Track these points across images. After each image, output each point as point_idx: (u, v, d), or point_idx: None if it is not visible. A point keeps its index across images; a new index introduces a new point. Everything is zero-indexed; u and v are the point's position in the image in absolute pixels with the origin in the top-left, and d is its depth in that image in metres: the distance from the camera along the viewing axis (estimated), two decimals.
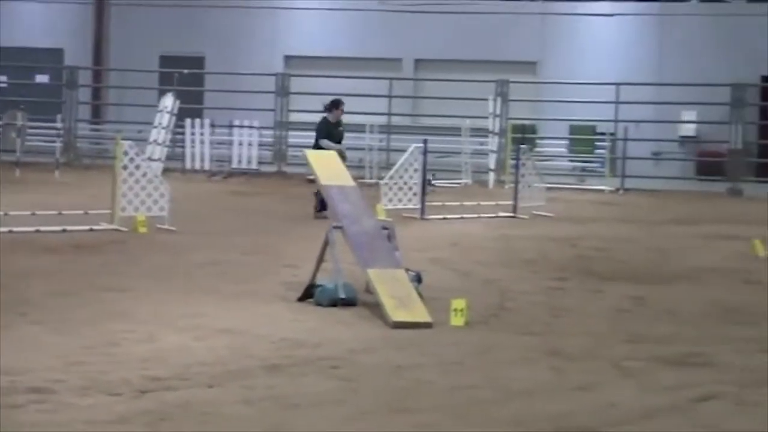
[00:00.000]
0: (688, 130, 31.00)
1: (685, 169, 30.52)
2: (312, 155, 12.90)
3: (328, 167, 12.39)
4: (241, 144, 28.73)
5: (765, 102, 30.60)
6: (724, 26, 31.84)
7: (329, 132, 19.21)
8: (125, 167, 16.61)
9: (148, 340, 9.20)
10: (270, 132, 30.47)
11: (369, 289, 11.04)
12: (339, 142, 19.17)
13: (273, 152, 30.55)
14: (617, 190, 26.87)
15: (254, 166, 28.68)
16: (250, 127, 28.81)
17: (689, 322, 10.92)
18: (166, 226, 16.47)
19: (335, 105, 19.58)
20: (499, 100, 29.09)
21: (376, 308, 10.62)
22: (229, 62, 33.24)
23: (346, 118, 26.57)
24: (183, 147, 28.69)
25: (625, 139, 28.47)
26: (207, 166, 28.47)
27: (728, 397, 8.02)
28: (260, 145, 29.28)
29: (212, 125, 28.95)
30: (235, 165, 28.54)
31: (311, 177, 14.95)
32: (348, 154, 20.50)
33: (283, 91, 30.92)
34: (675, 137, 30.97)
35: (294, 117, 30.84)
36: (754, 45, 30.96)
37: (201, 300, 11.14)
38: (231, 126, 28.88)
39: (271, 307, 10.97)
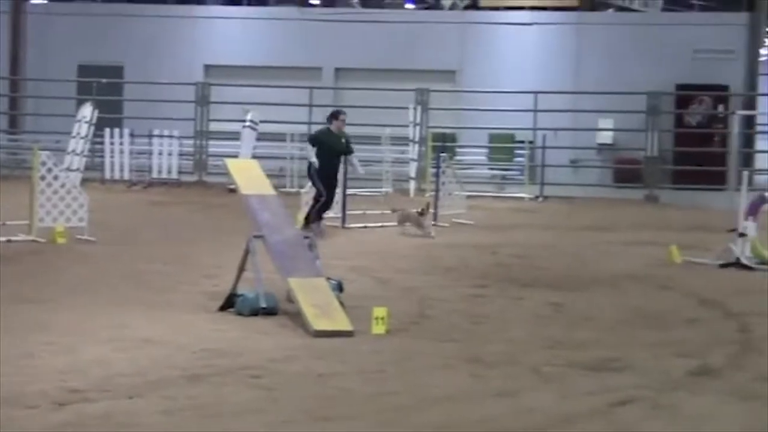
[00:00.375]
0: (606, 137, 31.38)
1: (603, 177, 30.86)
2: (232, 164, 12.85)
3: (248, 176, 12.36)
4: (161, 154, 28.54)
5: (680, 110, 31.06)
6: (640, 35, 32.30)
7: (321, 141, 18.53)
8: (43, 178, 16.44)
9: (68, 352, 9.12)
10: (190, 141, 30.32)
11: (290, 298, 11.03)
12: (338, 152, 18.65)
13: (193, 162, 30.40)
14: (536, 197, 27.09)
15: (174, 175, 28.51)
16: (170, 136, 28.64)
17: (607, 328, 11.04)
18: (85, 237, 16.33)
19: (334, 116, 18.98)
20: (419, 108, 29.21)
21: (297, 317, 10.62)
22: (149, 71, 33.03)
23: (267, 127, 26.76)
24: (102, 157, 28.44)
25: (544, 147, 28.72)
26: (127, 176, 28.25)
27: (645, 401, 8.13)
28: (180, 154, 29.13)
29: (132, 135, 28.73)
30: (155, 175, 28.35)
31: (232, 186, 14.90)
32: (268, 163, 20.48)
33: (203, 101, 30.78)
34: (592, 145, 31.33)
35: (214, 126, 30.72)
36: (669, 53, 31.43)
37: (121, 311, 11.06)
38: (151, 136, 28.67)
39: (192, 317, 10.92)
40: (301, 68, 33.47)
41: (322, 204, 18.33)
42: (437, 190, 21.00)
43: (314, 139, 18.76)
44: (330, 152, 18.47)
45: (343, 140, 18.80)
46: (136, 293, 12.15)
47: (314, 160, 18.36)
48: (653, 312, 11.99)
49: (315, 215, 18.24)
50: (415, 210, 18.66)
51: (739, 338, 10.62)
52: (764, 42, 38.70)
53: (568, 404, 8.01)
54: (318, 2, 40.19)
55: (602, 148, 31.49)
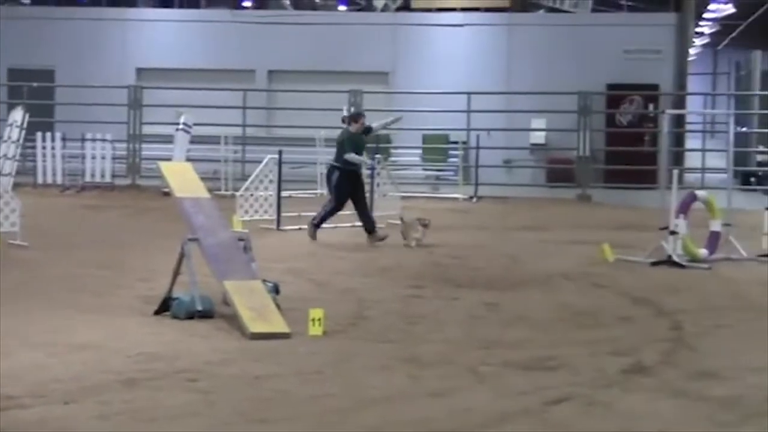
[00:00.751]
0: (538, 137, 31.60)
1: (536, 177, 31.08)
2: (166, 167, 12.79)
3: (182, 179, 12.32)
4: (93, 157, 28.32)
5: (611, 109, 31.36)
6: (571, 36, 32.58)
7: (356, 144, 17.99)
8: None
9: (2, 358, 9.04)
10: (123, 145, 30.12)
11: (226, 301, 11.02)
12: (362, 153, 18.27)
13: (127, 165, 30.21)
14: (470, 197, 27.22)
15: (108, 179, 28.30)
16: (103, 140, 28.42)
17: (542, 327, 11.14)
18: (17, 242, 16.18)
19: (354, 118, 18.43)
20: (352, 110, 29.21)
21: (233, 320, 10.61)
22: (81, 75, 32.74)
23: (201, 130, 26.65)
24: (34, 161, 28.18)
25: (478, 148, 28.85)
26: (59, 180, 28.02)
27: (580, 399, 8.22)
28: (113, 158, 28.93)
29: (64, 139, 28.50)
30: (88, 179, 28.13)
31: (166, 189, 14.85)
32: (202, 166, 20.39)
33: (135, 104, 30.60)
34: (525, 145, 31.53)
35: (147, 129, 30.55)
36: (599, 54, 31.74)
37: (56, 316, 10.99)
38: (83, 139, 28.45)
39: (127, 321, 10.88)
40: (234, 71, 33.39)
41: (330, 212, 18.14)
42: (372, 192, 21.03)
43: (352, 145, 17.91)
44: (359, 154, 18.05)
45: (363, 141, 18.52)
46: (70, 298, 12.07)
47: (366, 161, 18.35)
48: (587, 310, 12.11)
49: (320, 219, 18.13)
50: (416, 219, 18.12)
51: (671, 335, 10.76)
52: (692, 41, 39.18)
53: (504, 403, 8.08)
54: (250, 5, 40.12)
55: (535, 148, 31.71)
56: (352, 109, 17.81)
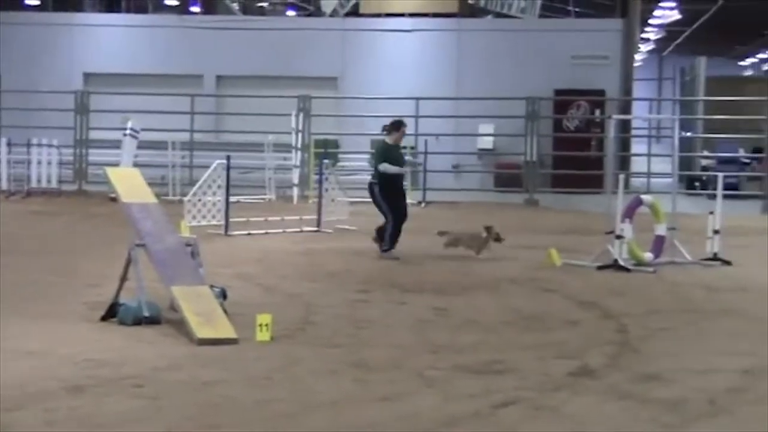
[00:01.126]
0: (486, 143, 31.74)
1: (484, 181, 31.20)
2: (113, 172, 12.72)
3: (129, 184, 12.26)
4: (40, 163, 28.12)
5: (558, 115, 31.55)
6: (519, 41, 32.76)
7: (389, 155, 17.05)
8: None
9: None
10: (70, 150, 29.93)
11: (173, 307, 10.98)
12: (401, 165, 17.20)
13: (73, 171, 30.02)
14: (419, 203, 27.26)
15: (54, 185, 28.12)
16: (49, 145, 28.24)
17: (490, 331, 11.18)
18: None
19: (396, 127, 17.39)
20: (301, 115, 29.22)
21: (180, 325, 10.58)
22: (27, 80, 32.55)
23: (148, 135, 26.53)
24: None
25: (426, 153, 28.92)
26: (5, 185, 27.81)
27: (527, 402, 8.27)
28: (60, 163, 28.75)
29: (9, 144, 28.29)
30: (34, 184, 27.93)
31: (113, 195, 14.77)
32: (150, 171, 20.29)
33: (82, 109, 30.41)
34: (474, 150, 31.65)
35: (94, 135, 30.36)
36: (547, 59, 31.94)
37: (2, 322, 10.90)
38: (29, 145, 28.24)
39: (74, 327, 10.81)
40: (182, 76, 33.31)
41: (394, 226, 16.96)
42: (320, 197, 21.05)
43: (384, 156, 17.08)
44: (392, 164, 17.00)
45: (401, 151, 17.75)
46: (16, 304, 11.97)
47: (399, 170, 17.06)
48: (534, 314, 12.18)
49: (390, 241, 16.93)
50: (478, 232, 17.31)
51: (617, 339, 10.84)
52: (638, 47, 39.45)
53: (452, 407, 8.11)
54: (198, 10, 40.01)
55: (483, 153, 31.83)
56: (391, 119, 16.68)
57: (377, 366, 9.38)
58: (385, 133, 17.51)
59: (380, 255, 16.85)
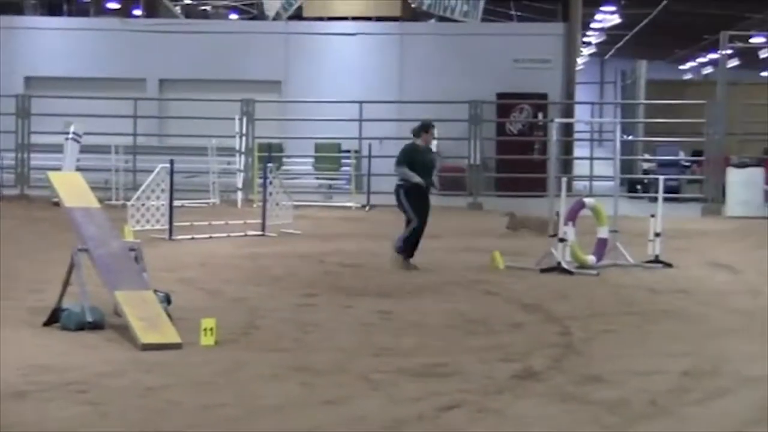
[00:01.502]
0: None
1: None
2: (55, 176, 12.62)
3: (72, 189, 12.19)
4: None
5: (501, 118, 31.69)
6: (462, 45, 32.91)
7: (413, 158, 16.12)
8: None
9: None
10: (11, 155, 29.69)
11: (117, 312, 10.94)
12: (430, 169, 16.38)
13: (15, 175, 29.77)
14: (363, 206, 27.31)
15: None
16: None
17: (434, 334, 11.23)
18: None
19: (425, 129, 16.55)
20: (245, 119, 29.16)
21: (124, 331, 10.54)
22: None
23: (91, 139, 26.37)
24: None
25: (370, 156, 28.96)
26: None
27: (471, 405, 8.31)
28: (1, 168, 28.48)
29: None
30: None
31: (56, 199, 14.67)
32: (93, 176, 20.17)
33: (23, 113, 30.15)
34: None
35: (36, 139, 30.11)
36: (489, 63, 32.10)
37: None
38: None
39: (16, 332, 10.73)
40: (125, 79, 33.14)
41: (416, 232, 16.21)
42: (264, 201, 21.02)
43: (406, 157, 16.22)
44: (423, 170, 16.15)
45: (431, 155, 16.69)
46: None
47: (417, 179, 15.96)
48: (478, 317, 12.24)
49: (410, 247, 16.22)
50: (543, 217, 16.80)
51: (560, 341, 10.92)
52: (580, 51, 39.71)
53: (397, 410, 8.14)
54: (141, 13, 39.82)
55: None
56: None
57: (322, 370, 9.40)
58: (414, 136, 16.61)
59: (399, 262, 16.10)
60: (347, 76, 32.68)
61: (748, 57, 51.99)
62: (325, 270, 15.97)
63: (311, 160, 31.63)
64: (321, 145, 31.24)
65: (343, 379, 9.08)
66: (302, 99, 31.76)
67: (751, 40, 40.52)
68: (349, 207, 27.20)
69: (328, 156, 31.26)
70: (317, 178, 31.50)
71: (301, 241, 19.65)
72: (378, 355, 10.07)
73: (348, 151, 30.31)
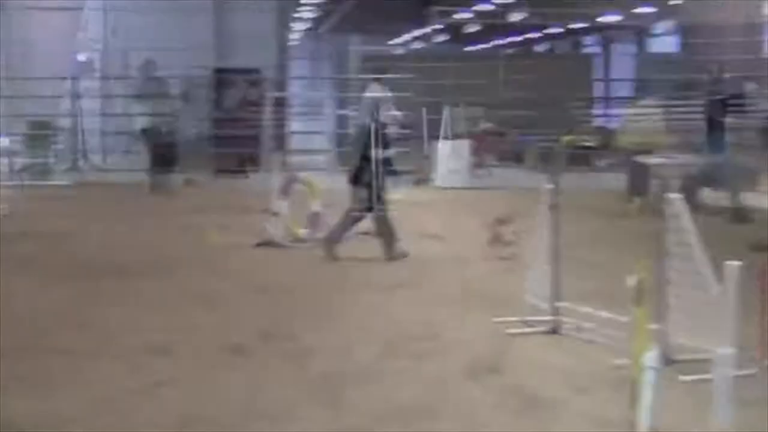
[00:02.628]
0: (145, 122, 31.30)
1: (143, 162, 30.80)
2: None
3: None
4: None
5: (215, 94, 31.53)
6: (177, 20, 32.51)
7: None
8: None
9: None
10: None
11: None
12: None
13: None
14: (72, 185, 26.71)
15: None
16: None
17: (150, 311, 11.20)
18: None
19: None
20: None
21: None
22: None
23: None
24: None
25: (83, 135, 28.29)
26: None
27: (187, 381, 8.39)
28: None
29: None
30: None
31: None
32: None
33: None
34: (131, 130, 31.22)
35: None
36: (203, 38, 31.92)
37: None
38: None
39: None
40: None
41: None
42: None
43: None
44: None
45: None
46: None
47: None
48: (197, 294, 12.20)
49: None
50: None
51: (272, 314, 11.10)
52: (292, 27, 39.91)
53: (111, 387, 8.12)
54: None
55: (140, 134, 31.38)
56: None
57: None
58: None
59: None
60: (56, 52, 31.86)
61: (455, 32, 53.51)
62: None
63: (21, 138, 30.69)
64: (32, 122, 30.30)
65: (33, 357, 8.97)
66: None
67: (456, 16, 41.72)
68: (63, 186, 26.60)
69: (39, 134, 30.34)
70: (30, 157, 30.56)
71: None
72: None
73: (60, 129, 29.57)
